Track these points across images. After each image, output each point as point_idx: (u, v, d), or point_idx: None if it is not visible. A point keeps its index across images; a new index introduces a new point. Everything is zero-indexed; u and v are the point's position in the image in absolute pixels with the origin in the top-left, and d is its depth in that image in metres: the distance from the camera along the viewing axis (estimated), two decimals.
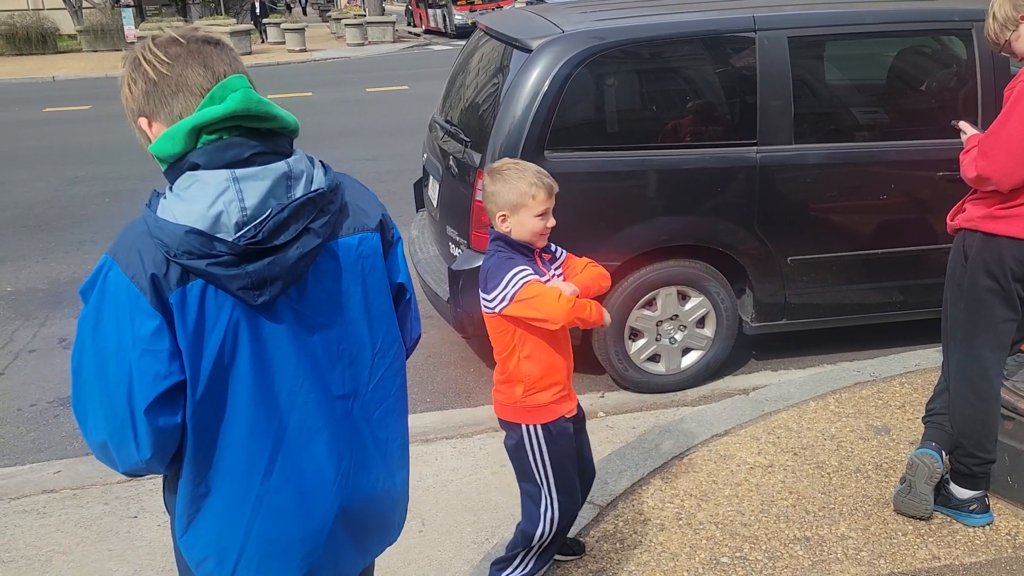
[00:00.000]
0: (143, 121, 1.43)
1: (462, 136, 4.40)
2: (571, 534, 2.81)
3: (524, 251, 2.43)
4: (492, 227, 2.48)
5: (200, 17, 29.32)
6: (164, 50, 1.39)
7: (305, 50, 26.34)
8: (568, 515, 2.59)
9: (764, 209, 4.06)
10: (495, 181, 2.42)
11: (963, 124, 2.86)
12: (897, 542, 2.81)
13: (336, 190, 1.48)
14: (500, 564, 2.69)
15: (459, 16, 29.41)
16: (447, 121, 4.80)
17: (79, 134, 11.63)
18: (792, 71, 4.03)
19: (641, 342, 4.19)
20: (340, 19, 32.46)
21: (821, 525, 2.91)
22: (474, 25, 5.26)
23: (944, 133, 2.98)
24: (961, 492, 2.88)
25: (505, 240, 2.43)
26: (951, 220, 2.83)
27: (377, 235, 1.56)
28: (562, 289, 2.38)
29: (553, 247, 2.58)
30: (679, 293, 4.09)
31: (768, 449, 3.40)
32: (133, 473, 1.44)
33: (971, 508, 2.86)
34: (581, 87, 3.98)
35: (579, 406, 2.63)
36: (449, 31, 31.54)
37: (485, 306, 2.45)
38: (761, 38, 4.02)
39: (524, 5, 34.30)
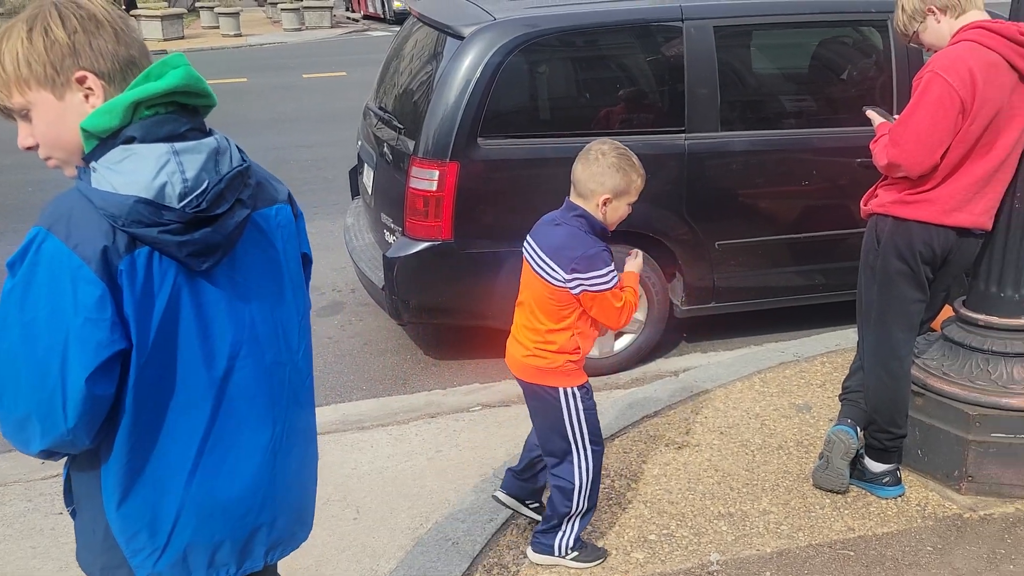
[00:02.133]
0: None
1: (396, 123, 4.40)
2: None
3: (603, 236, 2.52)
4: (570, 201, 2.52)
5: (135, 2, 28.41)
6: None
7: (240, 35, 25.78)
8: (600, 464, 2.70)
9: (692, 195, 4.15)
10: (604, 164, 2.45)
11: (871, 112, 2.97)
12: (815, 515, 2.93)
13: (250, 166, 1.56)
14: (546, 532, 2.74)
15: (398, 1, 29.16)
16: (381, 108, 4.79)
17: None
18: (718, 60, 4.12)
19: None
20: (276, 4, 31.83)
21: (744, 501, 3.01)
22: None
23: (863, 121, 3.09)
24: (875, 466, 3.00)
25: (589, 221, 2.48)
26: (864, 205, 2.94)
27: (288, 207, 1.64)
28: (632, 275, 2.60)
29: None
30: None
31: (696, 429, 3.50)
32: (53, 449, 1.44)
33: (884, 481, 3.00)
34: (513, 74, 4.01)
35: None
36: (388, 17, 31.20)
37: (557, 278, 2.48)
38: (688, 27, 4.11)
39: None
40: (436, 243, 4.02)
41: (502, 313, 4.20)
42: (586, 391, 2.65)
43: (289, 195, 1.68)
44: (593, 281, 2.45)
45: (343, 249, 5.16)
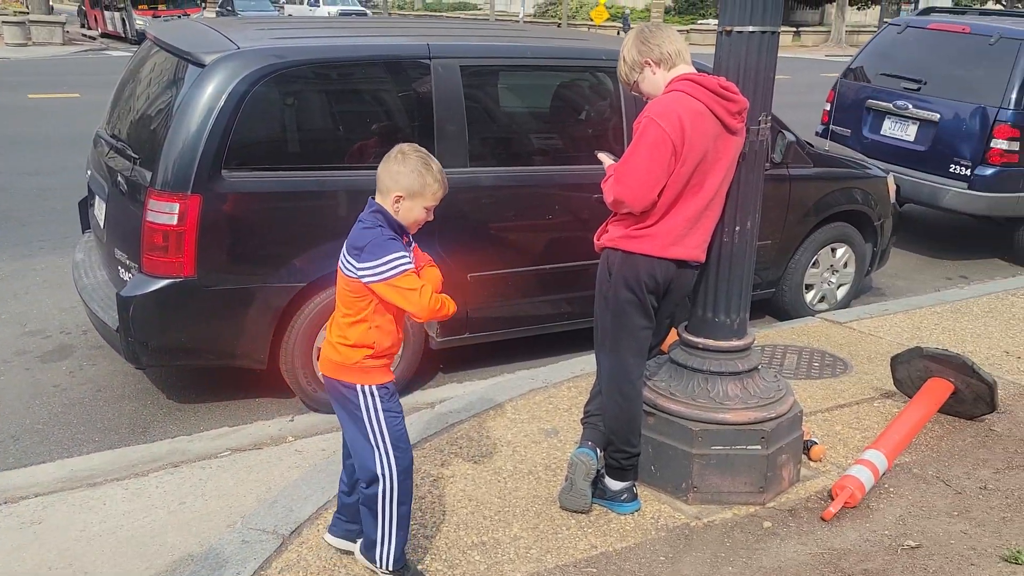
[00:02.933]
0: None
1: (130, 152, 4.12)
2: None
3: (400, 233, 2.56)
4: (373, 199, 2.58)
5: None
6: None
7: None
8: (407, 471, 2.68)
9: (444, 228, 4.22)
10: (402, 163, 2.53)
11: (602, 155, 3.22)
12: (562, 536, 3.06)
13: None
14: (369, 548, 2.75)
15: (140, 21, 27.51)
16: (113, 136, 4.46)
17: None
18: (465, 97, 4.25)
19: None
20: None
21: (497, 528, 3.09)
22: None
23: (599, 160, 3.32)
24: (614, 484, 3.20)
25: (386, 216, 2.54)
26: (597, 240, 3.15)
27: None
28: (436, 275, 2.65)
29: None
30: None
31: (451, 460, 3.54)
32: None
33: (623, 498, 3.20)
34: (259, 105, 3.90)
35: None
36: (130, 36, 29.35)
37: (351, 270, 2.53)
38: (436, 65, 4.21)
39: (214, 15, 32.70)
40: (177, 280, 3.79)
41: (252, 351, 4.05)
42: (387, 391, 2.64)
43: None
44: (380, 269, 2.48)
45: (72, 287, 4.72)
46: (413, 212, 2.57)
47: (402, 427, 2.68)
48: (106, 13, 33.32)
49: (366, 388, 2.62)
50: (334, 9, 36.83)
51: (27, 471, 3.65)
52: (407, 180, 2.53)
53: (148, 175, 3.81)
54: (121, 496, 3.42)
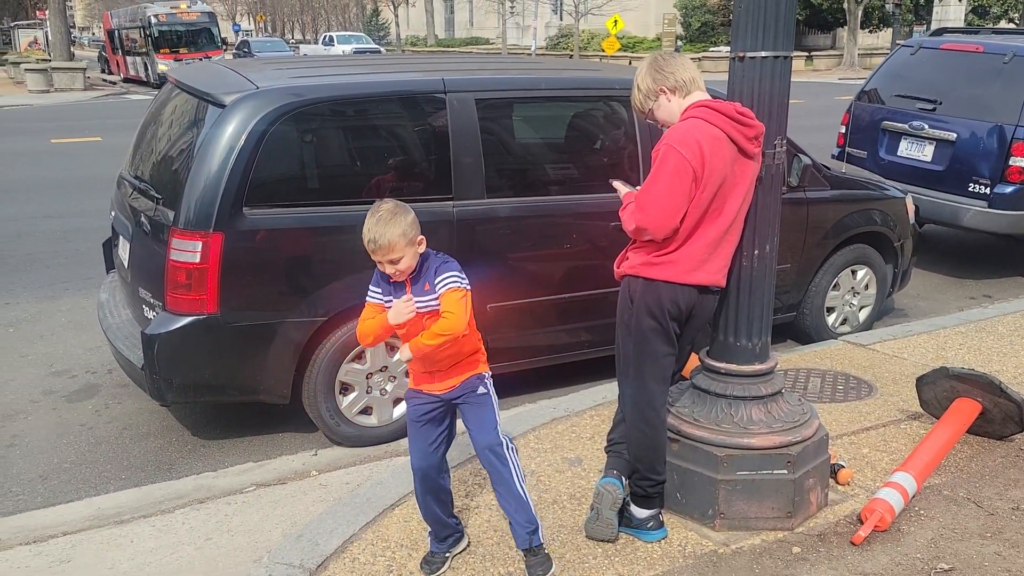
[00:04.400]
0: None
1: (153, 193, 4.19)
2: None
3: (385, 277, 2.80)
4: None
5: None
6: None
7: None
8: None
9: (463, 260, 4.19)
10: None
11: (617, 184, 3.24)
12: (588, 565, 3.04)
13: None
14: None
15: (163, 65, 28.08)
16: (136, 177, 4.54)
17: None
18: (481, 130, 4.30)
19: (352, 395, 4.19)
20: (20, 63, 29.48)
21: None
22: None
23: (614, 188, 3.34)
24: (640, 512, 3.18)
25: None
26: (617, 267, 3.16)
27: None
28: (390, 318, 2.79)
29: (436, 278, 2.79)
30: (387, 344, 4.15)
31: (474, 491, 3.53)
32: None
33: (649, 526, 3.17)
34: (279, 143, 3.96)
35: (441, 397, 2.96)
36: (151, 80, 29.91)
37: None
38: (451, 99, 4.26)
39: (231, 57, 33.29)
40: (201, 317, 3.83)
41: (274, 387, 4.08)
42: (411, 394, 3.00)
43: None
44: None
45: (97, 327, 4.78)
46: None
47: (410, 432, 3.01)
48: (128, 58, 33.97)
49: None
50: (348, 48, 37.42)
51: (55, 510, 3.68)
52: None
53: (171, 214, 3.87)
54: (148, 533, 3.43)
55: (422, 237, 2.75)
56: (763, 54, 3.00)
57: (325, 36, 47.63)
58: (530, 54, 34.08)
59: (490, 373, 3.00)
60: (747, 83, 3.06)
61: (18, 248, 7.88)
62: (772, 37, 2.97)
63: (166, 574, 3.15)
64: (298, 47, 41.07)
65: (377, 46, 42.91)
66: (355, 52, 32.93)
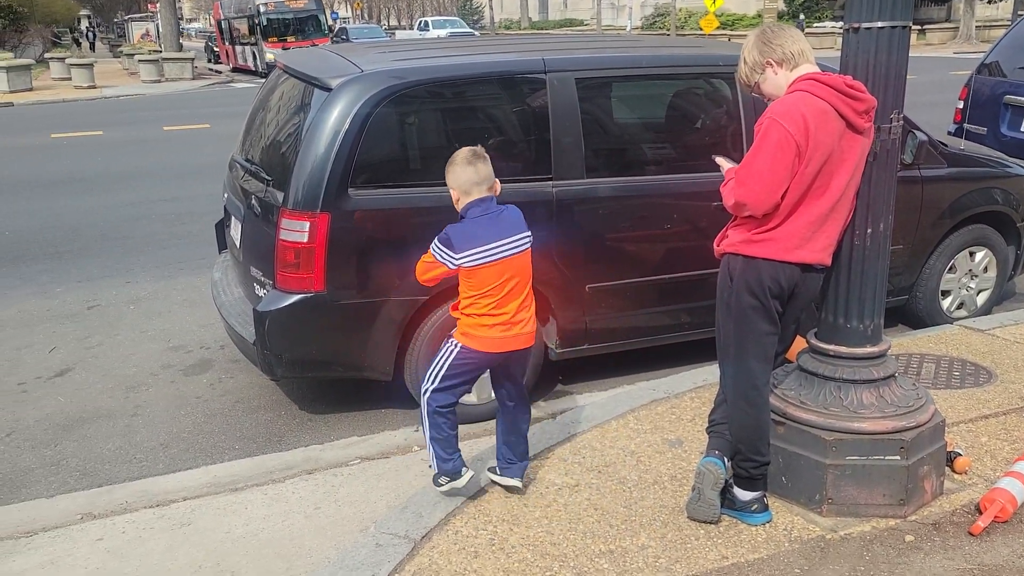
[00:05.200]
0: None
1: (263, 175, 4.33)
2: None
3: None
4: (484, 195, 3.19)
5: None
6: None
7: (94, 86, 24.80)
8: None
9: (562, 240, 4.26)
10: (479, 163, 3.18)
11: (720, 159, 3.18)
12: (691, 546, 3.01)
13: None
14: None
15: (270, 53, 28.72)
16: (247, 160, 4.70)
17: None
18: (581, 110, 4.28)
19: None
20: (133, 55, 30.87)
21: (624, 537, 3.07)
22: None
23: (717, 167, 3.28)
24: (743, 494, 3.13)
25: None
26: (717, 246, 3.10)
27: None
28: None
29: None
30: None
31: (574, 469, 3.55)
32: None
33: (753, 508, 3.12)
34: (383, 125, 4.03)
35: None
36: (260, 70, 30.59)
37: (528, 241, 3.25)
38: (551, 79, 4.25)
39: (330, 43, 34.04)
40: (308, 295, 3.96)
41: (378, 363, 4.18)
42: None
43: None
44: None
45: (210, 305, 5.00)
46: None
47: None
48: (237, 48, 34.81)
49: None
50: (443, 33, 37.69)
51: (176, 476, 3.88)
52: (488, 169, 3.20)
53: (280, 196, 4.00)
54: (261, 501, 3.58)
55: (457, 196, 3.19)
56: (879, 24, 2.88)
57: (420, 21, 48.17)
58: (625, 34, 33.63)
59: (457, 342, 3.24)
60: (862, 55, 2.94)
61: (137, 230, 8.31)
62: (890, 6, 2.85)
63: (278, 540, 3.29)
64: (393, 33, 41.62)
65: (471, 30, 43.09)
66: (450, 36, 33.08)
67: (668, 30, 34.65)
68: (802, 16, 38.43)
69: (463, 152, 3.17)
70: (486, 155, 3.19)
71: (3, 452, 4.17)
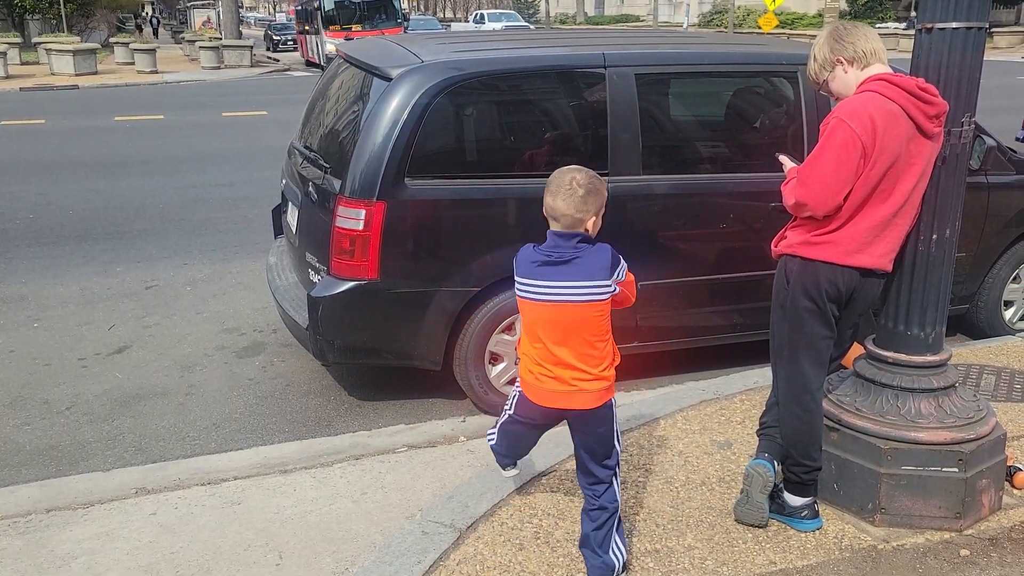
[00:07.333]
0: None
1: (322, 162, 4.38)
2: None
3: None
4: (564, 231, 2.66)
5: (40, 33, 27.72)
6: None
7: (156, 71, 25.35)
8: None
9: (615, 236, 4.20)
10: (585, 193, 2.66)
11: (783, 158, 3.13)
12: (738, 549, 2.98)
13: None
14: (602, 546, 2.73)
15: (331, 44, 27.33)
16: (306, 147, 4.76)
17: None
18: (640, 106, 4.25)
19: (501, 366, 4.27)
20: (194, 41, 31.45)
21: (670, 537, 3.05)
22: None
23: (775, 167, 3.24)
24: (793, 500, 3.08)
25: (588, 239, 2.69)
26: (775, 247, 3.06)
27: None
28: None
29: None
30: None
31: (621, 467, 3.52)
32: None
33: (803, 515, 3.07)
34: (440, 116, 4.05)
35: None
36: (319, 62, 29.33)
37: (606, 290, 2.62)
38: (611, 74, 4.23)
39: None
40: (362, 283, 4.00)
41: (428, 353, 4.21)
42: None
43: None
44: (622, 265, 2.68)
45: (265, 289, 5.08)
46: (599, 223, 2.72)
47: None
48: (307, 39, 33.34)
49: (614, 399, 2.77)
50: (498, 26, 37.57)
51: (227, 456, 3.95)
52: (598, 201, 2.70)
53: (337, 183, 4.05)
54: (309, 484, 3.63)
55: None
56: (954, 25, 2.80)
57: (476, 14, 48.25)
58: (683, 31, 33.28)
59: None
60: (934, 57, 2.87)
61: (195, 214, 8.48)
62: (966, 6, 2.78)
63: (326, 522, 3.33)
64: (449, 25, 41.72)
65: (527, 23, 43.00)
66: (506, 29, 32.72)
67: (726, 27, 34.21)
68: (913, 14, 37.47)
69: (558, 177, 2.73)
70: (580, 187, 2.65)
71: (64, 425, 4.29)
